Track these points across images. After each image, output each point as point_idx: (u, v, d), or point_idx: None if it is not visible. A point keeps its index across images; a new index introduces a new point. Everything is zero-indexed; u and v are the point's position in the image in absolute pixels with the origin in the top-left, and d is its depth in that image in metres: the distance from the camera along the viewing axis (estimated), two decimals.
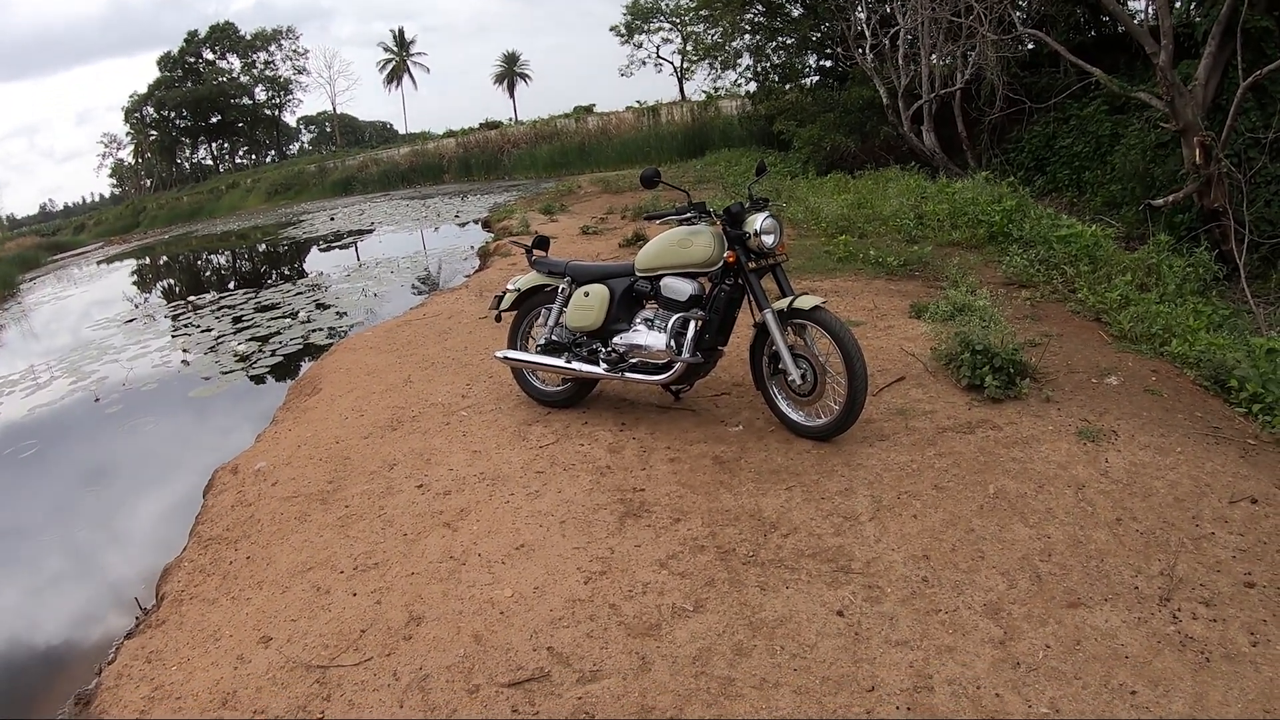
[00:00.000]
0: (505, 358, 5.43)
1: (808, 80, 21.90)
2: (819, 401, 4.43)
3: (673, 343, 4.61)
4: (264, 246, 24.58)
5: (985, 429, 4.38)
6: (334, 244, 21.00)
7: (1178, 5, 10.54)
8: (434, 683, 2.94)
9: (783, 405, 4.61)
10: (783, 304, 4.33)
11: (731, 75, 25.85)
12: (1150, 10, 11.41)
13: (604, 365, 4.92)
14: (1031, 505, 3.64)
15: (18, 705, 3.77)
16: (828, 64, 21.37)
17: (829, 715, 2.56)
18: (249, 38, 69.72)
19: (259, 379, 8.43)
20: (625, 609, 3.21)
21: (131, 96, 70.26)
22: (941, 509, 3.67)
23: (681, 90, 48.47)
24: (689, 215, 4.66)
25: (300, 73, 72.11)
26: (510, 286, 5.52)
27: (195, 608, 3.72)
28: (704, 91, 32.93)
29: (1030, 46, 13.94)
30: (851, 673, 2.73)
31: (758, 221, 4.36)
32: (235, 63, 70.57)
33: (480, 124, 51.77)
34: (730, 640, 2.96)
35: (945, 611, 3.00)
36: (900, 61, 15.01)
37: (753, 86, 24.55)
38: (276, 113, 74.67)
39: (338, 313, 11.18)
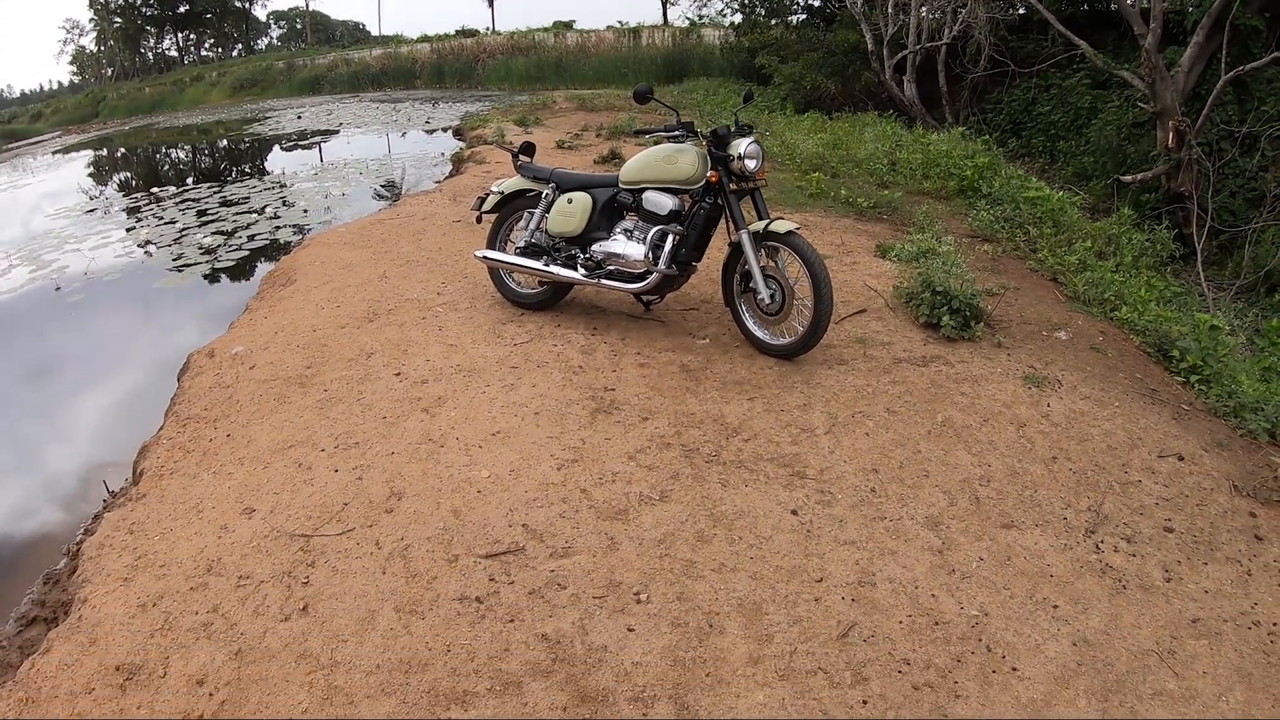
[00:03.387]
0: (485, 257, 5.52)
1: (794, 18, 21.77)
2: (784, 322, 4.63)
3: (650, 254, 4.75)
4: (226, 142, 23.57)
5: (938, 364, 4.63)
6: (299, 143, 20.35)
7: None
8: (415, 552, 3.10)
9: (749, 323, 4.81)
10: (759, 226, 4.50)
11: (717, 4, 25.58)
12: None
13: (582, 271, 5.05)
14: (975, 436, 3.90)
15: None
16: (816, 3, 21.26)
17: (781, 599, 2.81)
18: None
19: (225, 271, 8.34)
20: (595, 494, 3.42)
21: None
22: (892, 430, 3.92)
23: (665, 14, 47.44)
24: (677, 134, 4.79)
25: None
26: (494, 189, 5.58)
27: (176, 482, 3.75)
28: (688, 18, 32.50)
29: (1021, 11, 14.07)
30: (802, 564, 2.98)
31: (742, 145, 4.50)
32: None
33: (456, 31, 50.40)
34: (693, 528, 3.19)
35: (890, 519, 3.26)
36: (889, 9, 15.02)
37: (738, 18, 24.34)
38: (246, 5, 71.38)
39: (304, 209, 11.03)
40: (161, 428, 4.43)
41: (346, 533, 3.25)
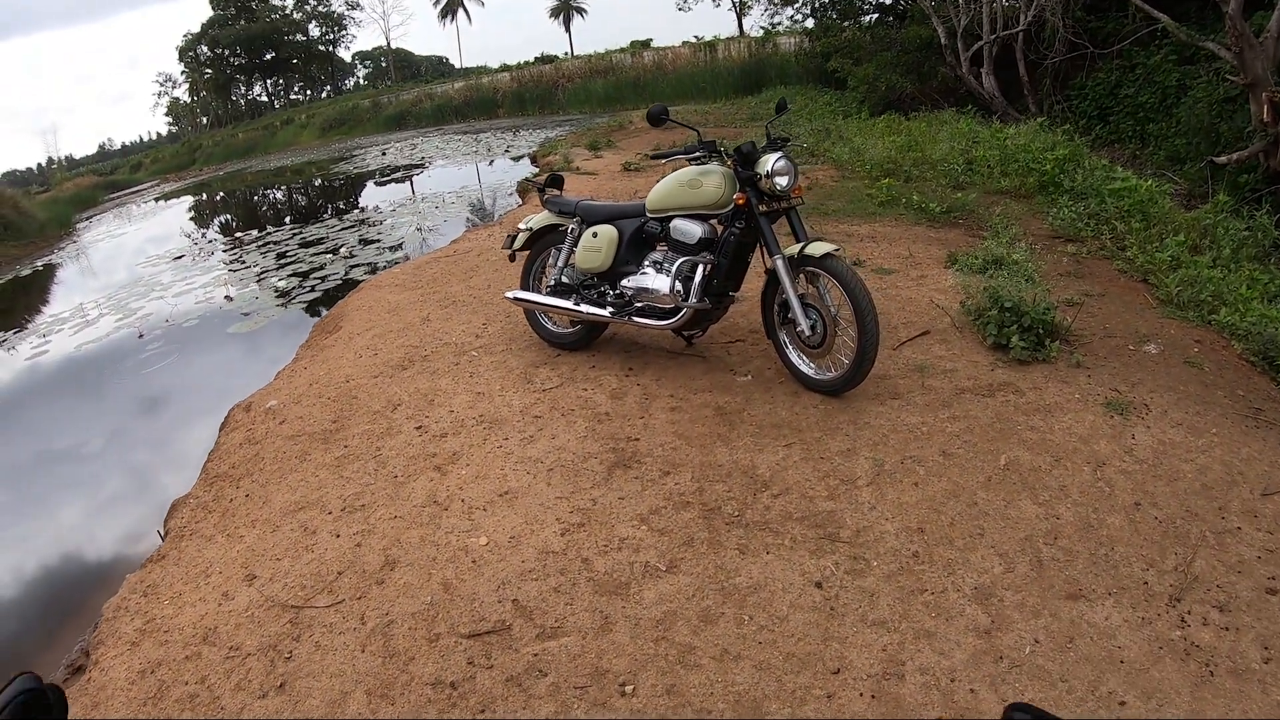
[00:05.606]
0: (515, 298, 5.28)
1: (866, 18, 21.03)
2: (829, 354, 4.20)
3: (679, 287, 4.40)
4: (317, 181, 24.66)
5: (1006, 393, 4.12)
6: (386, 179, 20.94)
7: None
8: (397, 629, 2.91)
9: (793, 356, 4.39)
10: (793, 250, 4.08)
11: (789, 11, 25.08)
12: None
13: (610, 308, 4.74)
14: (1044, 481, 3.39)
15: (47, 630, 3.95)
16: (887, 1, 20.51)
17: (787, 695, 2.41)
18: None
19: (296, 315, 8.47)
20: (597, 564, 3.09)
21: (185, 36, 70.75)
22: (946, 478, 3.45)
23: (740, 26, 47.15)
24: (698, 154, 4.41)
25: (353, 8, 71.67)
26: (522, 226, 5.34)
27: (193, 544, 3.78)
28: (761, 28, 32.04)
29: None
30: (819, 651, 2.56)
31: (769, 162, 4.08)
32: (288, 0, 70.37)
33: (535, 58, 51.37)
34: (698, 605, 2.82)
35: (931, 592, 2.80)
36: (960, 0, 14.32)
37: (810, 23, 23.77)
38: (330, 48, 74.46)
39: (388, 246, 11.25)
40: (193, 485, 4.48)
41: (335, 605, 3.11)
